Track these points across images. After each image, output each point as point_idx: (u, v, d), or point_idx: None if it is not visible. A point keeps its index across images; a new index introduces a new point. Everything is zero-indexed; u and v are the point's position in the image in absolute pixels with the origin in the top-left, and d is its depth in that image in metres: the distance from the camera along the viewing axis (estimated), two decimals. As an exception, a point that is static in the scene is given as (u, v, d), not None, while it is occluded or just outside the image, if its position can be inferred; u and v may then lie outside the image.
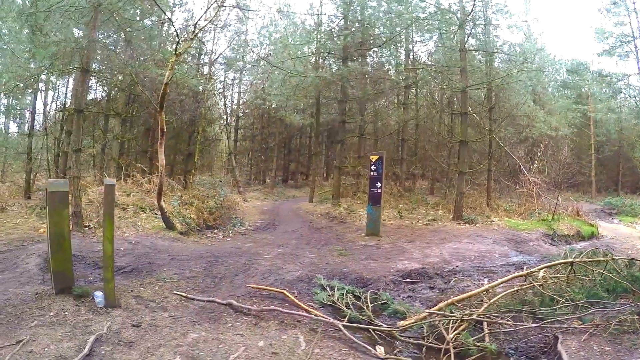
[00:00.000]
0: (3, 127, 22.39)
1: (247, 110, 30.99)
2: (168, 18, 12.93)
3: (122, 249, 8.00)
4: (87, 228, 10.02)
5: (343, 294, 5.88)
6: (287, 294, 5.76)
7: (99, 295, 5.08)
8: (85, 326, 4.33)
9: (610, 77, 29.08)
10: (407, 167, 20.84)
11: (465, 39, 15.10)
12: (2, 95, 18.31)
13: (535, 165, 17.67)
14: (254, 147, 31.41)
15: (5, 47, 16.67)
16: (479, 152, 20.34)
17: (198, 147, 18.80)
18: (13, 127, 21.54)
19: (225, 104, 27.64)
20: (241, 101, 30.27)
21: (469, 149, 15.42)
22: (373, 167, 11.12)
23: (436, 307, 5.36)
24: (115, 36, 15.42)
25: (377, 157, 11.15)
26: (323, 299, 5.77)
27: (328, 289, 6.10)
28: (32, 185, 14.37)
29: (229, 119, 27.58)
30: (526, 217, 14.98)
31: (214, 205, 13.90)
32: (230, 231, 12.31)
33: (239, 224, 13.17)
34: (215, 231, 12.28)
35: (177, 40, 10.29)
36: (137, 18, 14.18)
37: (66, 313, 4.64)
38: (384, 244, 10.11)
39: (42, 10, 11.54)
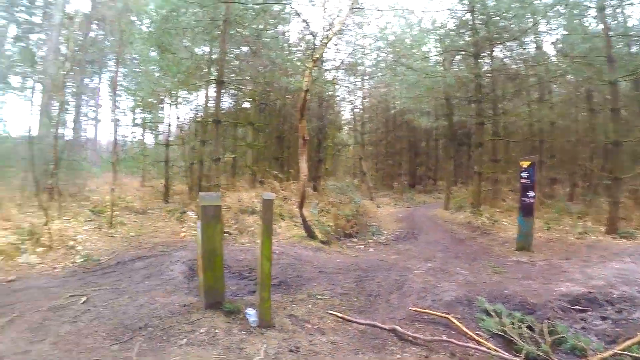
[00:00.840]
0: (142, 138, 24.37)
1: (371, 115, 30.88)
2: (307, 25, 13.05)
3: (267, 259, 8.04)
4: (227, 234, 10.29)
5: (513, 322, 5.31)
6: (453, 319, 5.45)
7: (251, 314, 4.95)
8: (239, 349, 4.19)
9: None
10: (546, 172, 19.09)
11: (609, 22, 13.34)
12: (137, 109, 20.04)
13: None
14: (379, 152, 31.13)
15: (137, 69, 18.16)
16: (626, 153, 17.93)
17: (330, 153, 18.92)
18: (148, 138, 23.34)
19: (352, 109, 27.86)
20: (365, 105, 30.17)
21: (622, 151, 13.50)
22: (525, 174, 10.13)
23: (622, 346, 4.82)
24: (236, 50, 16.08)
25: (529, 162, 10.12)
26: (492, 328, 5.37)
27: (494, 314, 5.65)
28: (170, 189, 15.31)
29: (354, 124, 27.62)
30: (688, 231, 12.88)
31: (350, 213, 13.72)
32: (370, 240, 12.15)
33: (377, 233, 12.95)
34: (354, 240, 12.18)
35: (314, 45, 10.27)
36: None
37: (217, 331, 4.53)
38: (537, 260, 9.35)
39: (173, 28, 12.24)
